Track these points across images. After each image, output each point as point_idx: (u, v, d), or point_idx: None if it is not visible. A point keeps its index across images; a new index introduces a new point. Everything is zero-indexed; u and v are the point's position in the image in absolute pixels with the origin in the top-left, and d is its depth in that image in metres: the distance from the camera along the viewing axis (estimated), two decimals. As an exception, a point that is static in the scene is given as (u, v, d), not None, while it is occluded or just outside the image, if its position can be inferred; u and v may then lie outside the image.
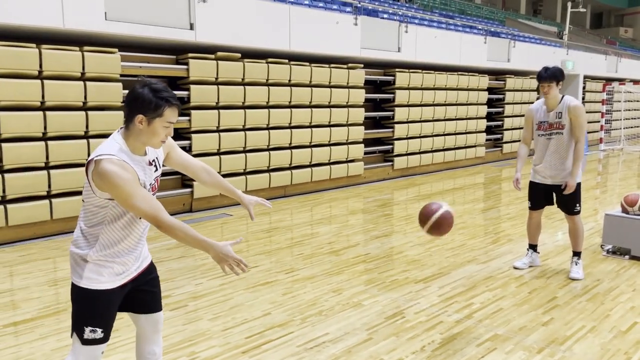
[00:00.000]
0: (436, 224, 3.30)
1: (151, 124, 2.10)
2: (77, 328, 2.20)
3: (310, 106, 8.87)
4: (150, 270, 2.44)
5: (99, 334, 2.20)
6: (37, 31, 5.95)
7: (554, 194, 4.76)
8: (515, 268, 4.98)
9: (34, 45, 5.80)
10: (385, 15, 10.99)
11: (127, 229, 2.22)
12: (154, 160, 2.27)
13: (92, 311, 2.19)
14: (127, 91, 6.67)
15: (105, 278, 2.20)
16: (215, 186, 2.60)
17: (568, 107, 4.54)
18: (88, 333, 2.18)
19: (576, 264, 4.79)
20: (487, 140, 13.40)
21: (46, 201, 6.01)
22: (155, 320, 2.45)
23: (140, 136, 2.13)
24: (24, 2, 5.55)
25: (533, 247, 5.06)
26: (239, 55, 7.71)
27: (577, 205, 4.71)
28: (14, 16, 5.50)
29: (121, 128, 2.19)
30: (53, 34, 6.15)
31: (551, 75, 4.51)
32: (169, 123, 2.14)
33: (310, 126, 8.90)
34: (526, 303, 4.16)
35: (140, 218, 2.22)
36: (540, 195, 4.85)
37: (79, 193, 6.26)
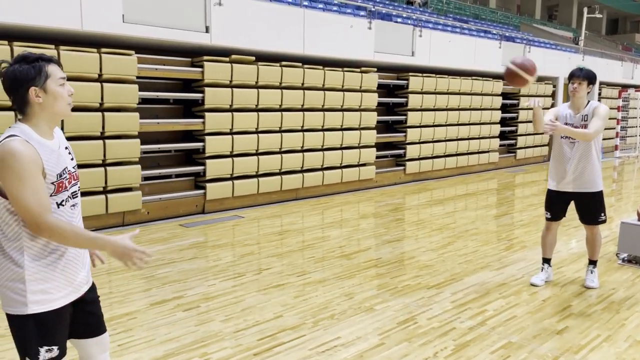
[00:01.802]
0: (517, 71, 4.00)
1: (47, 89, 1.90)
2: (30, 352, 1.93)
3: (323, 109, 8.88)
4: (93, 288, 2.19)
5: (55, 352, 1.96)
6: (56, 33, 6.03)
7: (575, 203, 4.56)
8: (533, 285, 4.70)
9: (52, 46, 5.88)
10: (399, 20, 10.99)
11: None
12: (68, 147, 2.08)
13: (44, 331, 1.94)
14: (143, 92, 6.79)
15: (54, 295, 1.94)
16: None
17: (594, 111, 4.41)
18: (44, 354, 1.94)
19: (592, 272, 4.72)
20: (500, 145, 13.31)
21: (61, 201, 6.07)
22: (105, 341, 2.21)
23: (45, 110, 1.92)
24: (44, 4, 5.63)
25: (547, 261, 4.83)
26: (253, 58, 7.74)
27: (602, 214, 4.54)
28: (34, 18, 5.58)
29: (17, 121, 1.95)
30: (71, 36, 6.23)
31: (585, 75, 4.39)
32: (61, 79, 1.95)
33: (323, 129, 8.92)
34: (540, 311, 4.12)
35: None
36: (560, 205, 4.62)
37: (96, 193, 6.33)
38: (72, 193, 2.03)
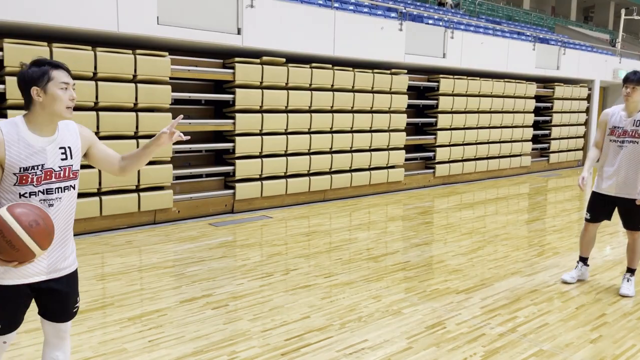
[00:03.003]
0: None
1: (47, 90, 2.11)
2: None
3: (352, 111, 8.87)
4: (61, 280, 2.28)
5: None
6: (93, 34, 6.19)
7: (617, 208, 4.52)
8: (564, 282, 4.80)
9: (89, 47, 6.04)
10: (430, 21, 10.88)
11: None
12: (65, 148, 2.21)
13: None
14: (176, 93, 6.90)
15: (4, 274, 2.12)
16: (135, 159, 2.43)
17: None
18: None
19: (628, 281, 4.60)
20: (533, 149, 13.05)
21: (96, 198, 6.23)
22: (60, 329, 2.37)
23: (44, 110, 2.13)
24: (82, 7, 5.78)
25: (584, 260, 4.84)
26: (283, 60, 7.79)
27: None
28: (72, 20, 5.74)
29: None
30: (108, 38, 6.39)
31: (639, 79, 4.33)
32: (63, 84, 2.14)
33: (352, 131, 8.90)
34: (573, 319, 4.03)
35: (49, 205, 2.15)
36: (603, 208, 4.59)
37: (127, 191, 6.46)
38: (45, 189, 2.15)
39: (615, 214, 4.63)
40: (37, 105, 2.13)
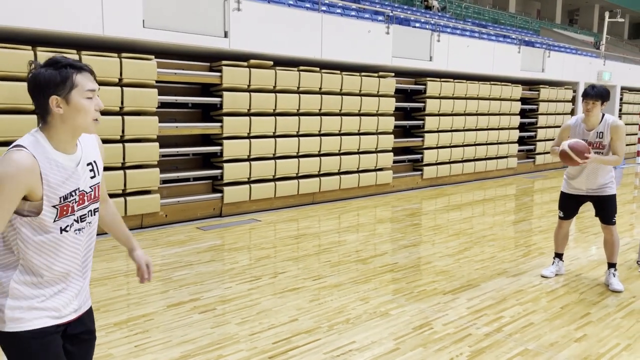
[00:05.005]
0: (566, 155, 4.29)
1: (70, 100, 1.70)
2: None
3: (340, 114, 8.90)
4: (90, 319, 1.97)
5: None
6: (78, 38, 6.15)
7: (592, 205, 4.75)
8: (543, 276, 5.02)
9: (74, 51, 6.00)
10: (417, 24, 10.96)
11: (53, 253, 1.76)
12: (92, 164, 1.87)
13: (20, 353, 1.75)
14: (162, 96, 6.88)
15: (32, 314, 1.74)
16: (111, 224, 2.16)
17: (610, 127, 4.46)
18: None
19: (614, 276, 4.75)
20: (519, 151, 13.17)
21: (82, 203, 6.17)
22: None
23: (66, 123, 1.72)
24: (66, 10, 5.75)
25: (560, 255, 5.12)
26: (271, 63, 7.80)
27: (615, 214, 4.70)
28: (56, 24, 5.70)
29: (37, 127, 1.77)
30: (93, 41, 6.35)
31: (598, 94, 4.42)
32: (90, 92, 1.74)
33: (340, 134, 8.93)
34: (558, 318, 4.07)
35: (75, 233, 1.81)
36: (573, 206, 4.87)
37: (113, 195, 6.42)
38: (80, 216, 1.82)
39: (590, 217, 4.81)
40: (57, 117, 1.71)
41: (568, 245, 5.75)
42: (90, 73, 1.78)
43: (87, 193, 1.83)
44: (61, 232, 1.76)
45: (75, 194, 1.77)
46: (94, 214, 1.91)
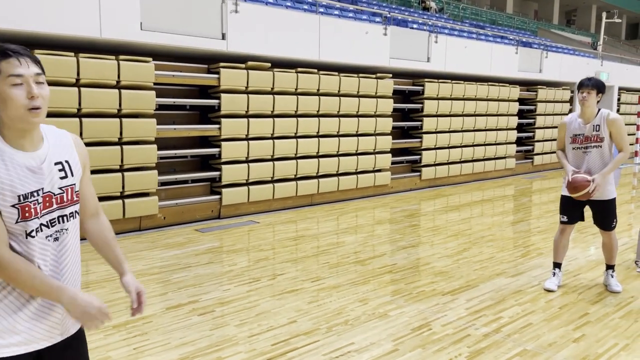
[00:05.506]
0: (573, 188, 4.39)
1: None
2: None
3: (339, 115, 8.90)
4: (79, 341, 1.78)
5: None
6: (76, 40, 6.15)
7: (590, 209, 4.60)
8: (547, 290, 4.70)
9: (72, 54, 6.00)
10: (414, 26, 10.98)
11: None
12: (62, 163, 1.70)
13: None
14: (160, 99, 6.88)
15: (5, 340, 1.58)
16: (100, 244, 1.91)
17: (606, 120, 4.40)
18: None
19: (612, 277, 4.72)
20: (517, 151, 13.19)
21: (80, 205, 6.16)
22: None
23: (2, 116, 1.57)
24: (64, 13, 5.75)
25: (559, 265, 4.82)
26: (268, 64, 7.80)
27: (614, 220, 4.58)
28: (54, 26, 5.70)
29: None
30: (90, 44, 6.35)
31: (593, 84, 4.40)
32: (15, 77, 1.55)
33: (338, 135, 8.93)
34: (556, 318, 4.07)
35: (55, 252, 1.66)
36: (576, 209, 4.63)
37: (111, 198, 6.41)
38: (49, 221, 1.65)
39: (588, 218, 4.73)
40: None
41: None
42: (20, 57, 1.57)
43: (55, 195, 1.66)
44: (27, 237, 1.60)
45: (38, 195, 1.61)
46: (70, 219, 1.72)
